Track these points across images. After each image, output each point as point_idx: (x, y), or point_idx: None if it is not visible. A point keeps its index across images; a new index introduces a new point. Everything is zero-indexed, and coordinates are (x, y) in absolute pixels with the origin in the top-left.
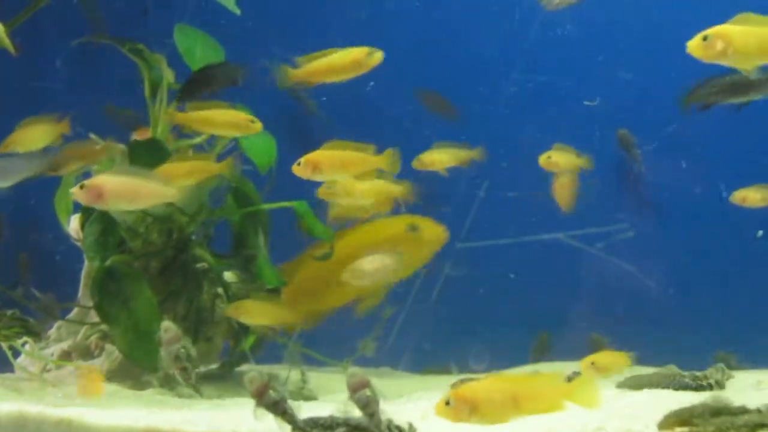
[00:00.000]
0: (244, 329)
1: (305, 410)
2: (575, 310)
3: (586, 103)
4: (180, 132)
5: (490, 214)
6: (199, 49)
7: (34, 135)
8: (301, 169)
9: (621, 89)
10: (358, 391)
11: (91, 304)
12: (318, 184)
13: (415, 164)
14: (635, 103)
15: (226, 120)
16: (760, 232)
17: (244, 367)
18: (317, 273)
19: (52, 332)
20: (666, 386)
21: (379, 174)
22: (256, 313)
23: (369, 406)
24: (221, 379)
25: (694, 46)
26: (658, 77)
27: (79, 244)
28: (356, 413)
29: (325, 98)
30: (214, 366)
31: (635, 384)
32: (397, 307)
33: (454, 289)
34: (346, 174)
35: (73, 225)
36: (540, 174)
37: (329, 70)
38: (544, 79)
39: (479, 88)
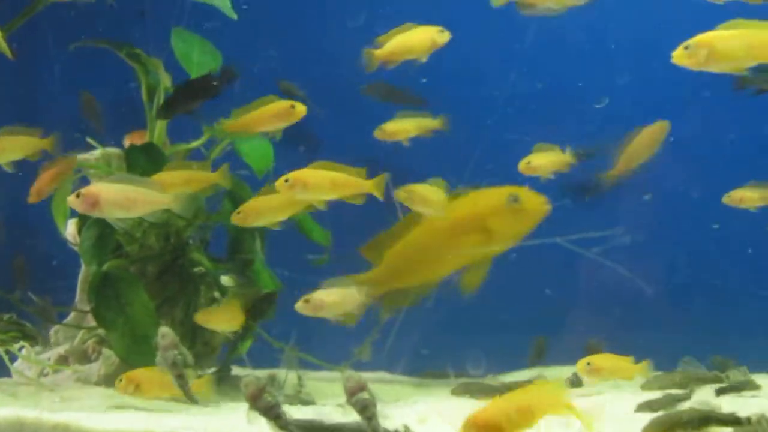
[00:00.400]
0: (241, 334)
1: (302, 415)
2: (572, 314)
3: (596, 106)
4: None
5: None
6: (196, 54)
7: (9, 146)
8: (287, 186)
9: (618, 92)
10: (355, 394)
11: (88, 308)
12: None
13: (378, 134)
14: (634, 105)
15: (272, 115)
16: (716, 225)
17: (242, 372)
18: (417, 245)
19: (51, 335)
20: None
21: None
22: (222, 320)
23: (367, 409)
24: (219, 383)
25: (677, 55)
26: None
27: (76, 248)
28: (354, 416)
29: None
30: (211, 370)
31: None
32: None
33: (450, 294)
34: (334, 196)
35: (70, 229)
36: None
37: (407, 49)
38: (542, 82)
39: (478, 90)
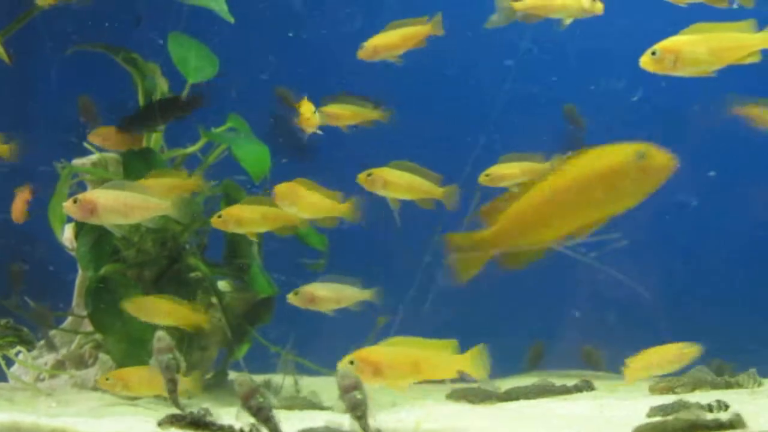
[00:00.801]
0: (238, 339)
1: (297, 419)
2: (569, 319)
3: (633, 99)
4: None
5: None
6: (193, 58)
7: None
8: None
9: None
10: (349, 392)
11: (85, 313)
12: None
13: (320, 117)
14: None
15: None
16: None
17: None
18: (538, 202)
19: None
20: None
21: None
22: (155, 312)
23: (358, 408)
24: (215, 388)
25: (645, 61)
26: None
27: (72, 253)
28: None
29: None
30: (208, 375)
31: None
32: (391, 316)
33: (447, 298)
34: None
35: (66, 234)
36: None
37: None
38: (538, 86)
39: (476, 93)
